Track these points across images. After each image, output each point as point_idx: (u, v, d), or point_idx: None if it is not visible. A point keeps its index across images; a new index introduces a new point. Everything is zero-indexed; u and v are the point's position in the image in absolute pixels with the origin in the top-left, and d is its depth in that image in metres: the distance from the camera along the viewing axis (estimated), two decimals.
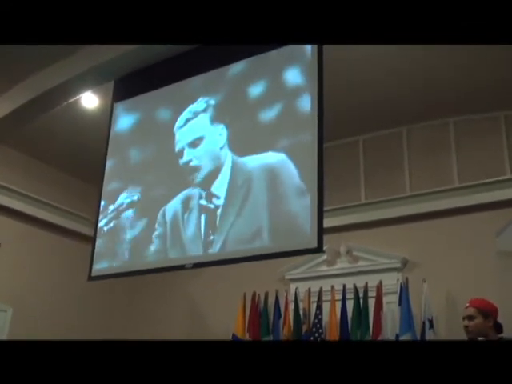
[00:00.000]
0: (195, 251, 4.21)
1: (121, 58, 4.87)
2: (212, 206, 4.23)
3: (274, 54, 4.32)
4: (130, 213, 4.78)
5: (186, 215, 4.38)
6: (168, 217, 4.49)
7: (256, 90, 4.35)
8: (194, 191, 4.38)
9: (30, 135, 6.56)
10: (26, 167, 7.10)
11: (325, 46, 4.08)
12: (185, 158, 4.57)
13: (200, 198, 4.32)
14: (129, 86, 5.25)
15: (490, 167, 5.96)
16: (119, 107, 5.34)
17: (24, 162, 7.08)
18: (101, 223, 4.95)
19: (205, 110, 4.60)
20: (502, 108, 6.02)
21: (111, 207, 4.93)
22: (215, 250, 4.09)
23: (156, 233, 4.52)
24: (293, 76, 4.18)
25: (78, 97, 5.62)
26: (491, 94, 5.79)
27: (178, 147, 4.66)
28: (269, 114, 4.18)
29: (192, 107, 4.70)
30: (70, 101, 5.55)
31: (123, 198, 4.87)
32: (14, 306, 6.68)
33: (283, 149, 4.00)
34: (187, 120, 4.69)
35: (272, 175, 4.00)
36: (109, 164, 5.14)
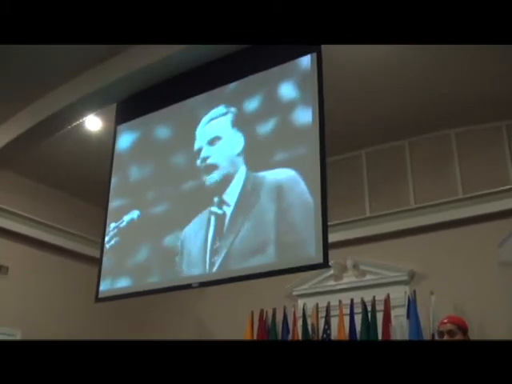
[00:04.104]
0: (201, 263, 4.23)
1: (123, 80, 4.95)
2: (221, 211, 4.26)
3: (275, 71, 4.38)
4: (132, 229, 4.82)
5: (196, 227, 4.40)
6: (180, 233, 4.52)
7: (252, 104, 4.43)
8: (208, 200, 4.41)
9: (35, 160, 6.62)
10: (32, 192, 7.15)
11: (325, 62, 4.13)
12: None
13: (212, 204, 4.36)
14: (131, 107, 5.32)
15: (494, 177, 5.95)
16: (122, 129, 5.40)
17: (30, 187, 7.13)
18: (106, 241, 5.01)
19: (225, 114, 4.64)
20: (504, 118, 6.03)
21: (112, 225, 4.99)
22: (221, 256, 4.11)
23: (163, 247, 4.55)
24: (289, 90, 4.24)
25: (81, 120, 5.69)
26: (492, 104, 5.80)
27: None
28: (271, 128, 4.25)
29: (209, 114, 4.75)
30: (73, 124, 5.62)
31: (125, 215, 4.92)
32: (22, 331, 6.67)
33: (290, 164, 4.02)
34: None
35: (280, 190, 4.01)
36: (113, 183, 5.21)
